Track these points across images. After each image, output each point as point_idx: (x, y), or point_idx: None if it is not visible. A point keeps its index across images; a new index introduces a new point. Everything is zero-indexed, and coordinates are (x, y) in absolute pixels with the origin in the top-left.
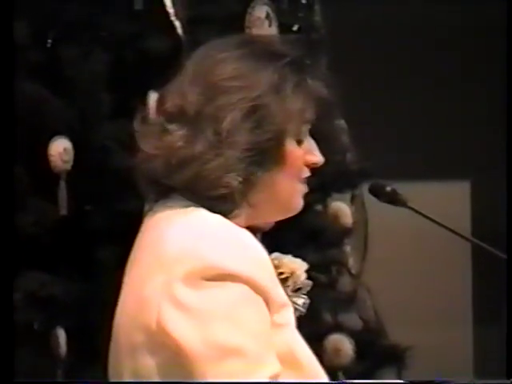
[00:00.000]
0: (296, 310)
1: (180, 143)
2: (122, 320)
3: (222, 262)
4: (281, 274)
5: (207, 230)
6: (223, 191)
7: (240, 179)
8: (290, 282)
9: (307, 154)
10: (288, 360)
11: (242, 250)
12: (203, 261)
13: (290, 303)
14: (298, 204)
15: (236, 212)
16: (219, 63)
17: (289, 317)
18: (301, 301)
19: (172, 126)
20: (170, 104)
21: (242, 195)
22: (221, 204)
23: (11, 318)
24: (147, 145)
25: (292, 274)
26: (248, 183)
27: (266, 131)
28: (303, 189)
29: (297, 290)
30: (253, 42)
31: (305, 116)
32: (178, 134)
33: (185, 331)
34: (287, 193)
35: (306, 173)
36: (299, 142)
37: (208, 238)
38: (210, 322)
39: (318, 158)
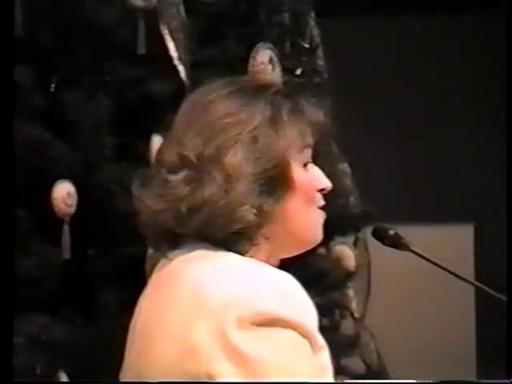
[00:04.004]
0: None
1: (186, 191)
2: (163, 368)
3: (272, 308)
4: None
5: (250, 275)
6: (239, 226)
7: (254, 211)
8: None
9: (314, 180)
10: None
11: (288, 294)
12: (253, 307)
13: (326, 346)
14: (317, 235)
15: (254, 249)
16: (209, 104)
17: (326, 359)
18: None
19: (174, 177)
20: (168, 154)
21: (257, 228)
22: (238, 241)
23: (10, 362)
24: (152, 200)
25: None
26: (262, 214)
27: (270, 159)
28: (320, 218)
29: None
30: (238, 81)
31: (305, 141)
32: (182, 182)
33: (236, 378)
34: (304, 222)
35: (321, 200)
36: (305, 168)
37: (255, 283)
38: (264, 367)
39: (324, 183)
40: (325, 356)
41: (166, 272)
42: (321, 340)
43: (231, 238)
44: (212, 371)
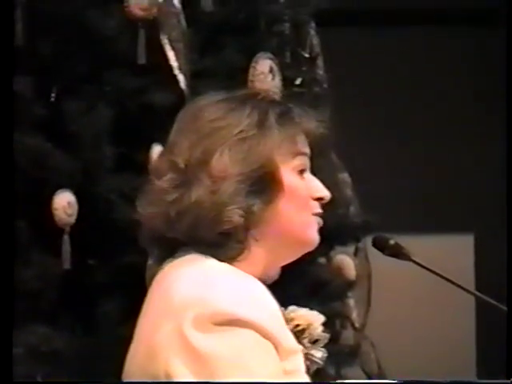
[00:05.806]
0: (314, 362)
1: (175, 197)
2: (132, 370)
3: (231, 308)
4: (297, 326)
5: (215, 277)
6: (226, 226)
7: (240, 212)
8: (306, 334)
9: (310, 188)
10: None
11: (250, 296)
12: (212, 306)
13: (299, 350)
14: (313, 236)
15: (246, 253)
16: (198, 111)
17: (298, 363)
18: (319, 354)
19: (164, 183)
20: (159, 162)
21: (244, 230)
22: (226, 242)
23: (10, 372)
24: (144, 207)
25: (308, 326)
26: (250, 216)
27: (256, 160)
28: (315, 222)
29: (314, 343)
30: (230, 92)
31: (296, 147)
32: (171, 188)
33: (192, 377)
34: (297, 226)
35: (317, 207)
36: (301, 175)
37: (216, 285)
38: (219, 366)
39: (322, 192)
40: (297, 360)
41: (156, 280)
42: (291, 344)
43: (220, 239)
44: (169, 370)
